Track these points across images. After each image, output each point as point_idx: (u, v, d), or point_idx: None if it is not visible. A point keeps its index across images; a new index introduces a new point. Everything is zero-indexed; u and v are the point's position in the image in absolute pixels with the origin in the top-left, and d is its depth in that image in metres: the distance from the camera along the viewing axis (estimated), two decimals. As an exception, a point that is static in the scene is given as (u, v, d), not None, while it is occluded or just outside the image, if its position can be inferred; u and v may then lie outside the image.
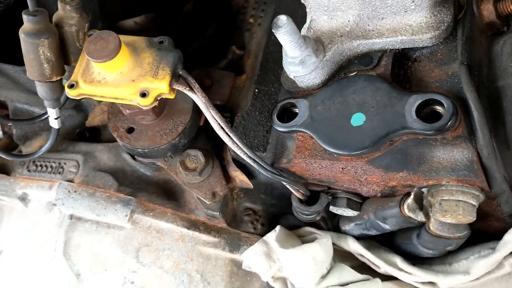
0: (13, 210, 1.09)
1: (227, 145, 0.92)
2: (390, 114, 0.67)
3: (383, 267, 0.88)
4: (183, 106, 0.89)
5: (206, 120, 0.93)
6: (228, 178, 0.91)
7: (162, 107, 0.86)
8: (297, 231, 0.96)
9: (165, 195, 1.00)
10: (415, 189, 0.71)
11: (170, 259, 0.98)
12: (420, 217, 0.73)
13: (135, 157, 0.99)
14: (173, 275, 0.97)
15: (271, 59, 0.90)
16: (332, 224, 0.93)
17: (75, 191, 0.96)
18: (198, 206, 0.99)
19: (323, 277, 0.85)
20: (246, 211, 1.04)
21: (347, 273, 0.86)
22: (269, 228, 1.03)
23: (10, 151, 1.15)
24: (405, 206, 0.73)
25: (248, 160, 0.76)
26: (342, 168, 0.73)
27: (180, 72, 0.74)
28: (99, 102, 1.04)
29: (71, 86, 0.73)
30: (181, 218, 0.98)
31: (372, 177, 0.73)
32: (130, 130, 0.89)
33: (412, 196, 0.72)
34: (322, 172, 0.76)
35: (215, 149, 0.94)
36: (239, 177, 0.90)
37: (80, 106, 1.08)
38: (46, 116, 0.89)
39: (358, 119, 0.68)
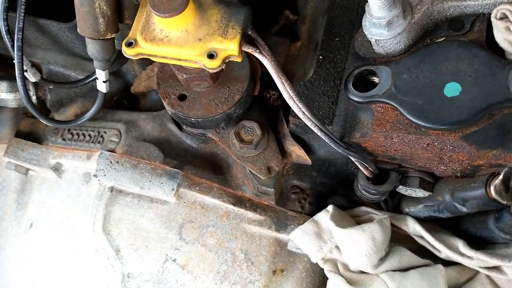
0: (45, 181, 1.03)
1: (283, 117, 0.86)
2: (491, 84, 0.60)
3: (444, 252, 0.82)
4: (239, 73, 0.82)
5: (260, 90, 0.87)
6: (283, 152, 0.85)
7: (219, 73, 0.79)
8: (350, 212, 0.91)
9: (211, 169, 0.93)
10: (506, 168, 0.65)
11: (214, 236, 0.92)
12: (506, 200, 0.67)
13: (182, 127, 0.92)
14: (216, 254, 0.92)
15: (337, 24, 0.83)
16: (392, 205, 0.87)
17: (117, 162, 0.89)
18: (245, 182, 0.93)
19: (382, 259, 0.80)
20: (293, 189, 0.98)
21: (407, 257, 0.81)
22: (317, 207, 0.97)
23: (41, 118, 1.08)
24: (492, 188, 0.66)
25: (319, 133, 0.69)
26: (428, 144, 0.66)
27: (250, 33, 0.67)
28: (142, 67, 0.96)
29: (129, 45, 0.66)
30: (227, 194, 0.92)
31: (459, 154, 0.66)
32: (182, 98, 0.82)
33: (501, 177, 0.65)
34: (400, 148, 0.70)
35: (269, 122, 0.87)
36: (297, 152, 0.84)
37: (118, 72, 1.01)
38: (91, 79, 0.82)
39: (452, 89, 0.61)
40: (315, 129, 0.69)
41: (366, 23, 0.67)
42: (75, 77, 0.98)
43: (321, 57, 0.81)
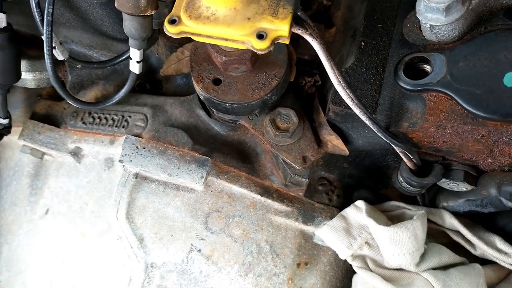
0: (62, 165, 0.98)
1: (319, 105, 0.83)
2: (555, 74, 0.57)
3: (480, 247, 0.80)
4: (277, 57, 0.78)
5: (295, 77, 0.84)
6: (318, 142, 0.82)
7: (257, 57, 0.75)
8: (380, 206, 0.88)
9: (239, 157, 0.90)
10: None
11: (240, 227, 0.89)
12: (557, 195, 0.65)
13: (211, 113, 0.89)
14: (241, 245, 0.89)
15: (379, 10, 0.80)
16: (428, 198, 0.85)
17: (144, 148, 0.85)
18: (274, 172, 0.90)
19: (421, 257, 0.77)
20: (320, 181, 0.95)
21: (446, 254, 0.79)
22: (344, 200, 0.95)
23: (58, 100, 1.03)
24: (544, 183, 0.64)
25: (367, 122, 0.66)
26: (482, 136, 0.63)
27: (299, 13, 0.63)
28: (169, 50, 0.92)
29: (172, 22, 0.62)
30: (254, 184, 0.89)
31: (513, 147, 0.64)
32: (217, 82, 0.78)
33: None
34: (449, 140, 0.67)
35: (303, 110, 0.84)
36: (333, 142, 0.81)
37: (141, 54, 0.96)
38: (122, 59, 0.78)
39: (512, 78, 0.59)
40: (363, 117, 0.66)
41: (421, 7, 0.64)
42: (97, 58, 0.94)
43: (363, 44, 0.77)
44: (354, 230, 0.84)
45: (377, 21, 0.79)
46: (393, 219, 0.83)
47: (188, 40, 0.89)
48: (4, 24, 0.74)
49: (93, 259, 0.92)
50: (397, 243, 0.74)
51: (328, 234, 0.84)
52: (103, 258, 0.91)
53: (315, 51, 0.88)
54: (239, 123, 0.86)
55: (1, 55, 0.76)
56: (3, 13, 0.72)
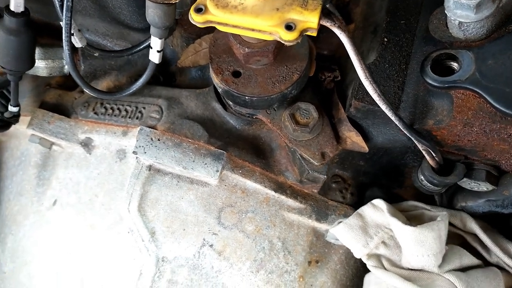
0: (72, 156, 0.97)
1: (338, 101, 0.82)
2: None
3: (497, 255, 0.79)
4: (298, 51, 0.77)
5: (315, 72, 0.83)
6: (337, 138, 0.81)
7: (279, 50, 0.74)
8: (398, 206, 0.87)
9: (254, 152, 0.89)
10: None
11: (253, 222, 0.88)
12: None
13: (227, 107, 0.87)
14: (254, 241, 0.88)
15: (401, 6, 0.79)
16: (446, 198, 0.84)
17: (159, 139, 0.84)
18: (289, 168, 0.89)
19: (443, 258, 0.77)
20: (334, 178, 0.94)
21: (466, 256, 0.78)
22: (358, 198, 0.94)
23: (68, 90, 1.02)
24: None
25: (392, 118, 0.65)
26: (510, 135, 0.63)
27: (327, 5, 0.62)
28: (185, 41, 0.91)
29: (199, 11, 0.61)
30: (269, 179, 0.88)
31: (541, 147, 0.63)
32: (237, 74, 0.77)
33: None
34: (475, 138, 0.67)
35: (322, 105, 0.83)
36: (353, 138, 0.80)
37: (155, 45, 0.95)
38: (141, 48, 0.77)
39: (544, 78, 0.58)
40: (389, 113, 0.65)
41: (450, 4, 0.63)
42: (111, 48, 0.92)
43: (385, 40, 0.77)
44: (370, 229, 0.83)
45: (400, 17, 0.78)
46: (412, 219, 0.82)
47: (206, 31, 0.89)
48: (21, 9, 0.72)
49: (102, 251, 0.90)
50: (422, 244, 0.73)
51: (344, 232, 0.83)
52: (113, 251, 0.89)
53: (334, 46, 0.89)
54: (256, 117, 0.84)
55: (16, 41, 0.74)
56: (21, -3, 0.71)
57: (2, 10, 0.74)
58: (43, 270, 0.98)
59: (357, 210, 0.86)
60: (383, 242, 0.83)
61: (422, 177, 0.74)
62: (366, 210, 0.85)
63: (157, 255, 0.86)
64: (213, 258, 0.86)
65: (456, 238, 0.86)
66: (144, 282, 0.86)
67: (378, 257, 0.85)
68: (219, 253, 0.87)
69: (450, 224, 0.83)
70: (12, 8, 0.72)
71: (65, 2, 0.68)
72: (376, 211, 0.84)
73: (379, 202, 0.83)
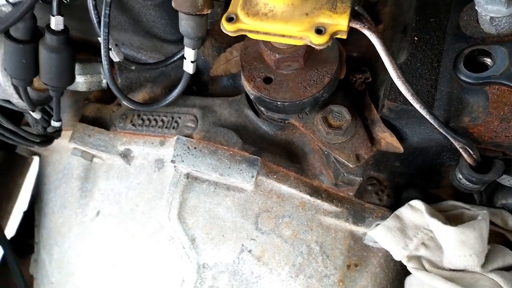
0: (112, 168, 1.00)
1: (370, 102, 0.82)
2: None
3: None
4: (328, 54, 0.78)
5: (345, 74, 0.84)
6: (371, 140, 0.81)
7: (309, 54, 0.75)
8: (436, 206, 0.86)
9: (287, 157, 0.90)
10: None
11: (290, 227, 0.89)
12: None
13: (259, 113, 0.89)
14: (291, 246, 0.88)
15: (430, 4, 0.79)
16: (486, 196, 0.83)
17: (195, 148, 0.86)
18: (323, 171, 0.89)
19: (486, 257, 0.75)
20: (369, 181, 0.94)
21: (509, 255, 0.76)
22: (395, 199, 0.93)
23: (106, 103, 1.06)
24: None
25: (427, 117, 0.65)
26: (550, 128, 0.61)
27: (356, 8, 0.63)
28: (217, 51, 0.93)
29: (230, 20, 0.63)
30: (303, 184, 0.89)
31: None
32: (268, 80, 0.78)
33: None
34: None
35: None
36: (387, 139, 0.79)
37: (187, 57, 0.98)
38: (175, 59, 0.79)
39: None
40: (423, 112, 0.64)
41: (481, -1, 0.63)
42: (145, 61, 0.95)
43: (416, 39, 0.76)
44: (409, 231, 0.82)
45: (429, 15, 0.78)
46: (451, 219, 0.81)
47: (236, 40, 0.91)
48: (61, 27, 0.76)
49: (144, 260, 0.93)
50: (464, 243, 0.72)
51: (382, 234, 0.83)
52: (154, 259, 0.92)
53: (364, 47, 0.89)
54: (288, 122, 0.85)
55: (58, 58, 0.78)
56: (61, 16, 0.74)
57: (43, 29, 0.78)
58: (88, 280, 1.02)
59: (395, 212, 0.86)
60: (423, 243, 0.82)
61: (460, 175, 0.73)
62: (404, 211, 0.84)
63: (198, 262, 0.87)
64: (253, 264, 0.87)
65: (498, 237, 0.83)
66: (187, 289, 0.88)
67: (418, 259, 0.84)
68: (258, 259, 0.87)
69: (491, 222, 0.81)
70: (52, 26, 0.75)
71: (102, 18, 0.72)
72: (415, 212, 0.83)
73: (417, 203, 0.82)
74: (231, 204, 0.87)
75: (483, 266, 0.74)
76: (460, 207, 0.83)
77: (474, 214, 0.79)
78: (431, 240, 0.82)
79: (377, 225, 0.86)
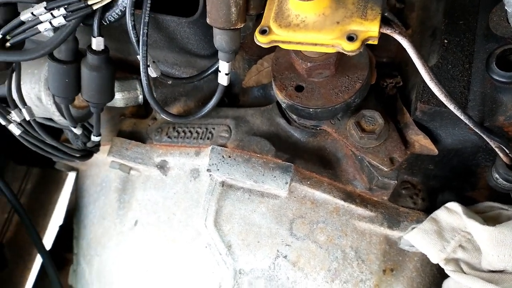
0: (149, 179, 1.04)
1: (402, 106, 0.83)
2: None
3: None
4: (358, 60, 0.79)
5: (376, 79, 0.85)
6: (405, 143, 0.81)
7: (339, 61, 0.77)
8: (474, 208, 0.85)
9: (320, 163, 0.91)
10: None
11: (324, 233, 0.90)
12: None
13: (291, 121, 0.91)
14: (326, 251, 0.89)
15: (458, 7, 0.79)
16: (523, 196, 0.82)
17: (229, 156, 0.88)
18: (357, 176, 0.90)
19: None
20: (403, 184, 0.94)
21: None
22: (430, 203, 0.93)
23: (142, 118, 1.10)
24: None
25: (462, 117, 0.66)
26: None
27: (386, 14, 0.64)
28: (247, 63, 0.96)
29: (263, 32, 0.65)
30: (337, 189, 0.90)
31: None
32: (299, 89, 0.80)
33: None
34: (549, 131, 0.65)
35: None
36: (421, 142, 0.80)
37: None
38: (209, 73, 0.82)
39: None
40: (457, 113, 0.65)
41: (511, -2, 0.63)
42: (179, 76, 0.99)
43: (446, 41, 0.77)
44: (446, 233, 0.81)
45: (458, 18, 0.78)
46: (489, 220, 0.80)
47: (266, 52, 0.93)
48: (102, 47, 0.80)
49: (182, 267, 0.96)
50: (503, 243, 0.72)
51: (419, 237, 0.83)
52: (192, 266, 0.94)
53: (393, 52, 0.90)
54: (320, 129, 0.87)
55: (98, 76, 0.82)
56: (101, 37, 0.78)
57: (85, 50, 0.82)
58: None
59: (431, 215, 0.85)
60: (461, 246, 0.82)
61: (497, 175, 0.73)
62: (440, 214, 0.84)
63: (234, 268, 0.89)
64: (288, 269, 0.89)
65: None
66: (224, 295, 0.90)
67: (456, 261, 0.83)
68: (294, 264, 0.89)
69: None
70: (94, 47, 0.80)
71: (141, 37, 0.76)
72: (451, 214, 0.82)
73: (453, 205, 0.82)
74: (266, 210, 0.89)
75: None
76: (498, 208, 0.82)
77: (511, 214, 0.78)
78: (468, 242, 0.82)
79: (413, 228, 0.86)
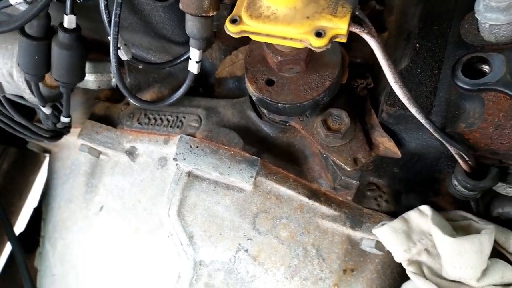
0: (117, 164, 1.03)
1: (371, 107, 0.84)
2: None
3: None
4: (330, 58, 0.80)
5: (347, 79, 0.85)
6: (370, 144, 0.82)
7: (310, 57, 0.77)
8: (445, 214, 0.86)
9: (288, 159, 0.91)
10: None
11: (287, 229, 0.90)
12: None
13: (262, 115, 0.91)
14: (288, 247, 0.89)
15: (434, 12, 0.80)
16: (483, 204, 0.83)
17: (197, 147, 0.88)
18: (322, 175, 0.90)
19: (484, 271, 0.75)
20: (369, 186, 0.94)
21: (509, 271, 0.75)
22: (394, 205, 0.94)
23: (115, 102, 1.09)
24: None
25: (423, 121, 0.66)
26: (545, 136, 0.62)
27: (357, 13, 0.64)
28: (223, 53, 0.95)
29: (234, 21, 0.65)
30: (302, 186, 0.90)
31: None
32: (270, 83, 0.80)
33: None
34: (508, 141, 0.66)
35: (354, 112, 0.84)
36: (385, 144, 0.80)
37: (195, 59, 1.00)
38: (181, 60, 0.82)
39: None
40: (419, 117, 0.65)
41: (480, 7, 0.64)
42: (154, 61, 0.98)
43: (418, 46, 0.78)
44: (414, 235, 0.81)
45: (432, 23, 0.79)
46: (459, 229, 0.80)
47: (242, 43, 0.93)
48: (73, 26, 0.79)
49: (144, 255, 0.95)
50: (461, 255, 0.72)
51: (387, 234, 0.82)
52: (154, 255, 0.94)
53: (367, 54, 0.90)
54: (289, 124, 0.87)
55: (68, 55, 0.81)
56: (74, 15, 0.77)
57: (56, 28, 0.81)
58: (89, 273, 1.04)
59: (403, 214, 0.85)
60: (426, 250, 0.82)
61: (455, 182, 0.74)
62: (412, 215, 0.84)
63: (194, 259, 0.89)
64: (248, 263, 0.88)
65: (499, 256, 0.83)
66: (183, 285, 0.90)
67: (419, 264, 0.83)
68: (254, 258, 0.89)
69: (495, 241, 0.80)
70: (65, 25, 0.79)
71: (112, 18, 0.75)
72: (422, 217, 0.82)
73: (425, 208, 0.82)
74: (230, 203, 0.89)
75: (479, 280, 0.74)
76: (469, 219, 0.83)
77: (480, 228, 0.78)
78: (434, 248, 0.81)
79: (383, 224, 0.86)
